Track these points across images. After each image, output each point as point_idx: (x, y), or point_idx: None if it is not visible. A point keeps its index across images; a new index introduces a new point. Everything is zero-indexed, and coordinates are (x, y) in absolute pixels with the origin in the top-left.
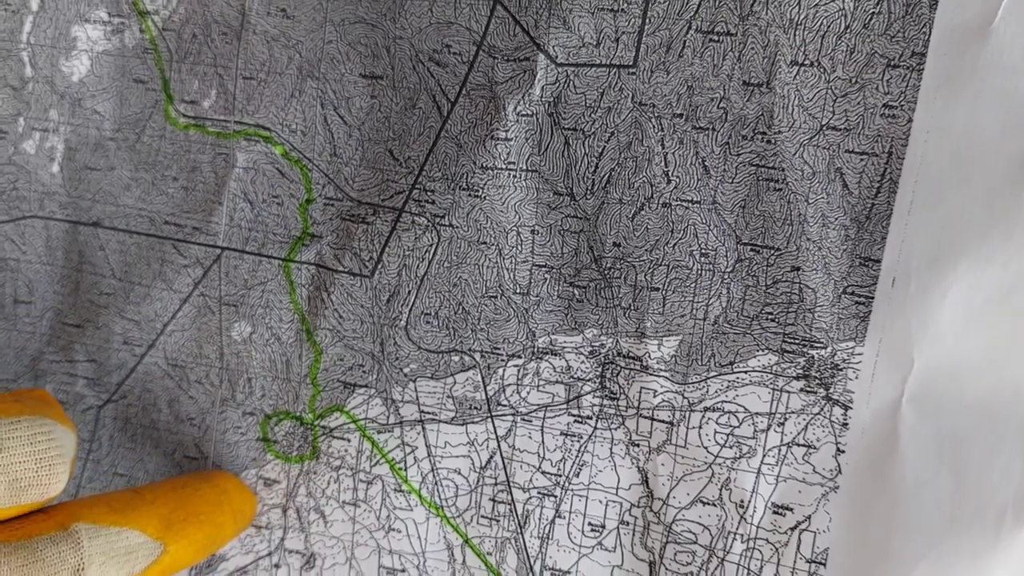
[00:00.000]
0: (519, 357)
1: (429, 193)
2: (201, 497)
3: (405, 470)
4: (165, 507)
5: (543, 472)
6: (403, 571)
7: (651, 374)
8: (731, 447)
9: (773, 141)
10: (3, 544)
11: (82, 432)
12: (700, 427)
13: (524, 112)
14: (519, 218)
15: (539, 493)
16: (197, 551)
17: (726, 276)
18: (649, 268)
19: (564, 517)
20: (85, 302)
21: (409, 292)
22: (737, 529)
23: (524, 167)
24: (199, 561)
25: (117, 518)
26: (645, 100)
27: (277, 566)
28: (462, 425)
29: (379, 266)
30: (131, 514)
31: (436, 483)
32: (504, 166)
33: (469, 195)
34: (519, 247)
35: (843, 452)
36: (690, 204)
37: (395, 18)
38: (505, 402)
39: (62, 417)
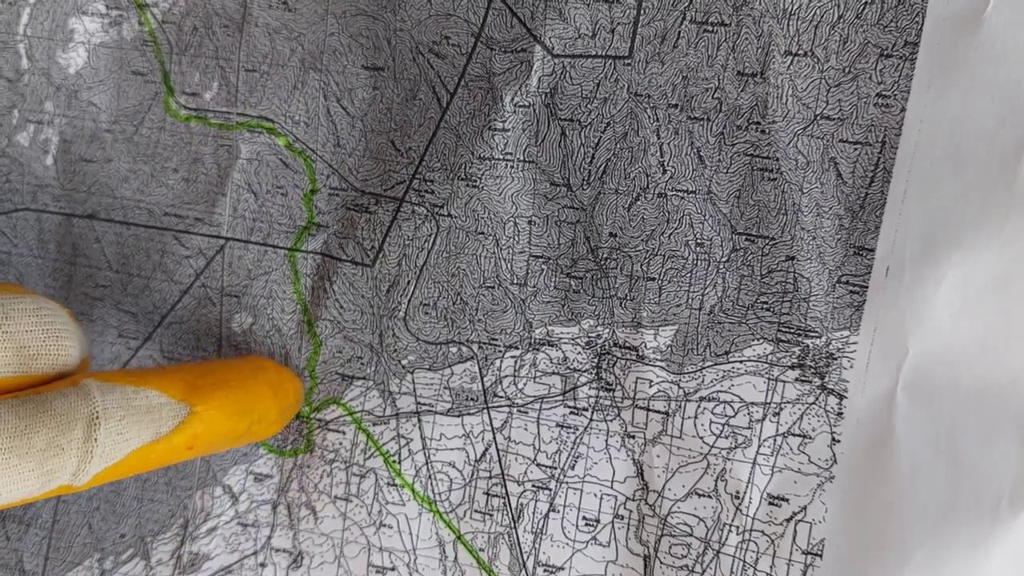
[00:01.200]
0: (516, 348)
1: (429, 183)
2: (230, 366)
3: (399, 463)
4: (189, 374)
5: (538, 464)
6: (393, 569)
7: (647, 364)
8: (726, 437)
9: (767, 131)
10: (12, 397)
11: None
12: (696, 417)
13: (521, 103)
14: (516, 209)
15: (533, 486)
16: (232, 416)
17: (721, 266)
18: (645, 258)
19: (558, 511)
20: (79, 295)
21: (408, 282)
22: (733, 521)
23: (521, 158)
24: (241, 432)
25: (134, 379)
26: (641, 91)
27: (263, 565)
28: (458, 417)
29: (380, 255)
30: (150, 377)
31: (430, 476)
32: (502, 157)
33: (467, 185)
34: (516, 238)
35: (838, 442)
36: (685, 194)
37: (395, 10)
38: (501, 393)
39: (72, 315)
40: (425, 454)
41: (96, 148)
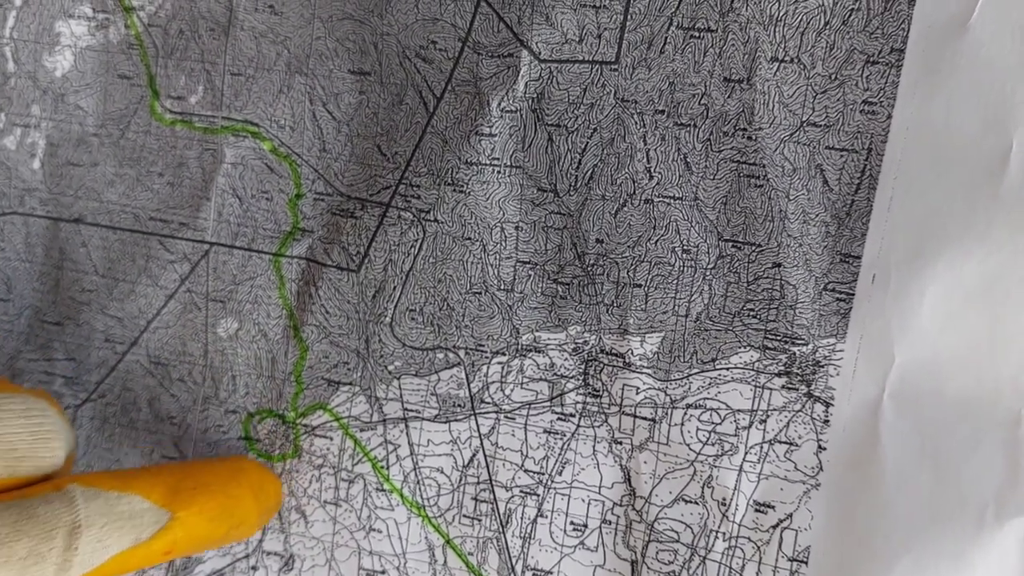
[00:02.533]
0: (503, 354)
1: (415, 188)
2: (211, 469)
3: (387, 469)
4: (171, 477)
5: (526, 470)
6: (383, 572)
7: (634, 371)
8: (713, 444)
9: (754, 137)
10: None
11: None
12: (682, 424)
13: (508, 108)
14: (503, 214)
15: (521, 492)
16: (212, 520)
17: (708, 272)
18: (631, 264)
19: (546, 516)
20: (66, 299)
21: (395, 288)
22: (719, 527)
23: (508, 163)
24: (219, 537)
25: (118, 483)
26: (627, 96)
27: (255, 568)
28: (445, 423)
29: (366, 260)
30: (133, 480)
31: (418, 482)
32: (488, 162)
33: (454, 191)
34: (503, 243)
35: (825, 449)
36: (672, 200)
37: (382, 14)
38: (489, 400)
39: (60, 410)
40: (413, 459)
41: (83, 152)
